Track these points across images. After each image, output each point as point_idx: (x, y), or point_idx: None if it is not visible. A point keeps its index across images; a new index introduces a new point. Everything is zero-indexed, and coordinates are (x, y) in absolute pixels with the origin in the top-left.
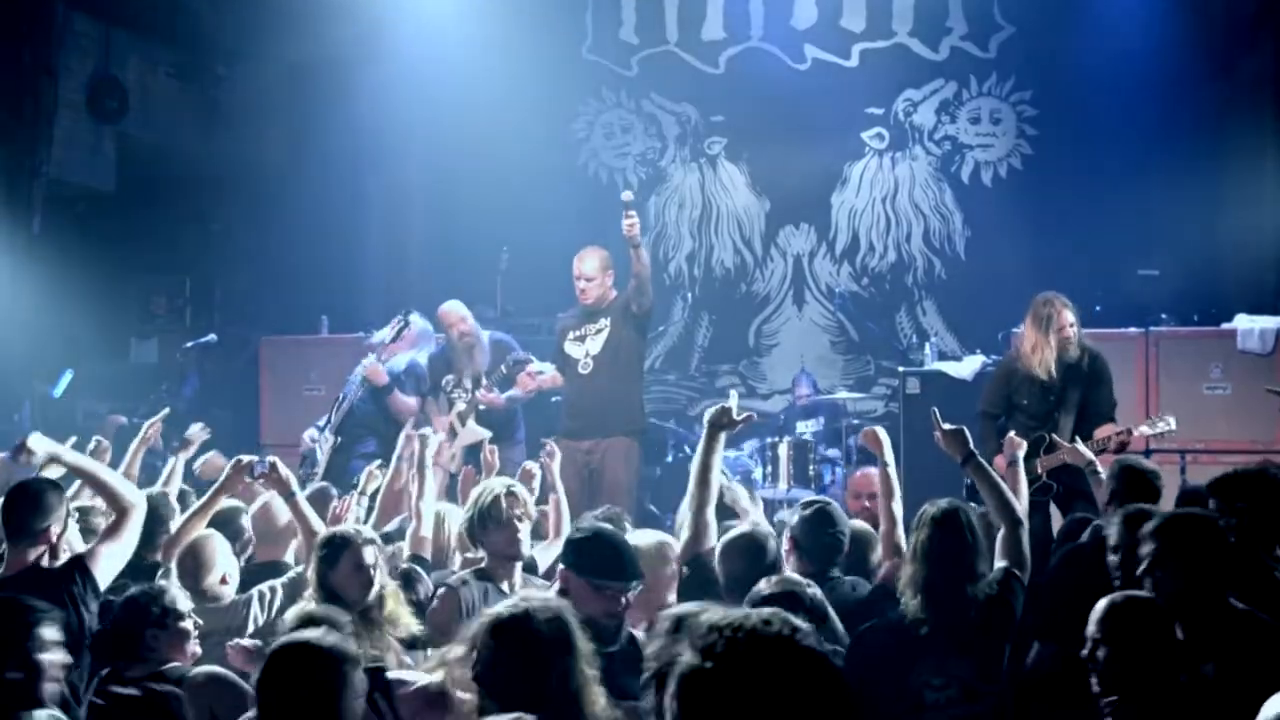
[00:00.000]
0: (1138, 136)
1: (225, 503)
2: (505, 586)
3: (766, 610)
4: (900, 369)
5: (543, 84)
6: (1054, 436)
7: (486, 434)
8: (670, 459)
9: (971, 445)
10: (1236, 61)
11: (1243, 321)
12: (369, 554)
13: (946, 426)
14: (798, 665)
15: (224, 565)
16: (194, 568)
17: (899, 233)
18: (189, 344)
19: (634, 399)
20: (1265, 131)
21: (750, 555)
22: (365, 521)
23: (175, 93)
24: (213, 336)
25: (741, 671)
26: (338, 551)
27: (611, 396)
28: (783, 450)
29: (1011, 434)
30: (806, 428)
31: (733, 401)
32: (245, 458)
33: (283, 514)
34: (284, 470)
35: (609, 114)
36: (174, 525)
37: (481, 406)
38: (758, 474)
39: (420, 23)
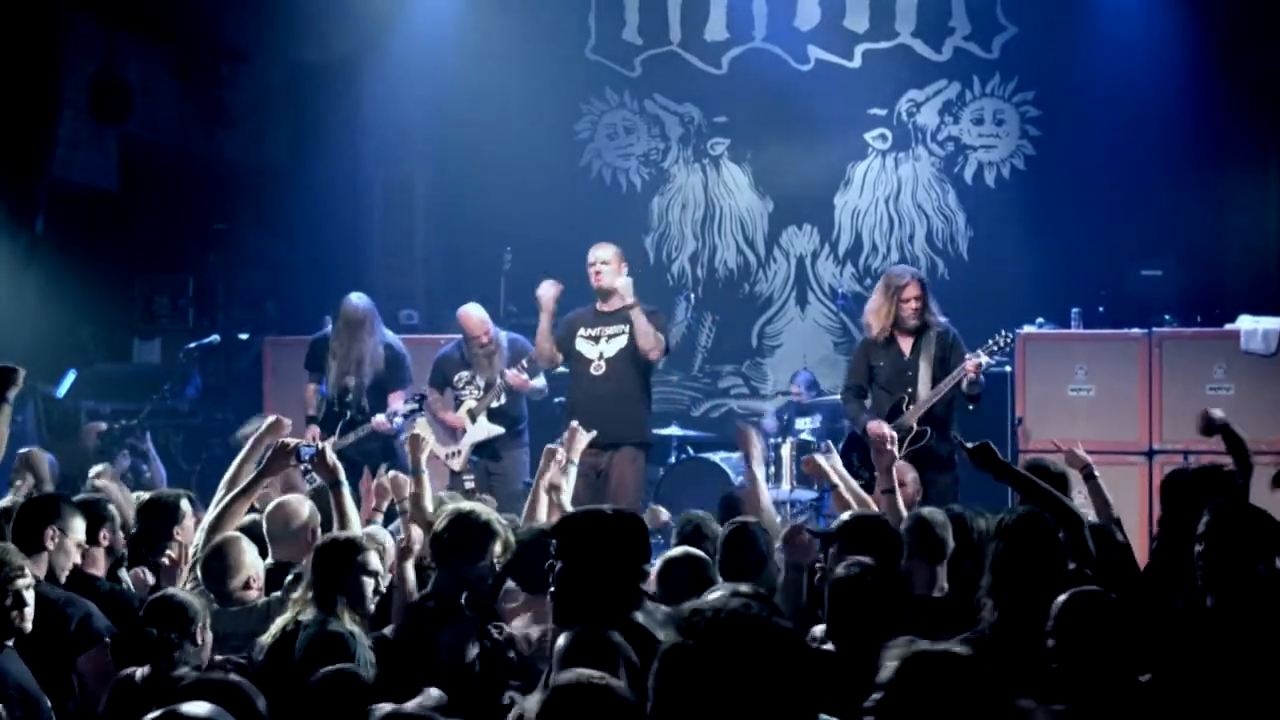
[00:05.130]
0: (1141, 137)
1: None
2: None
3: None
4: None
5: (545, 84)
6: (914, 397)
7: (498, 430)
8: (673, 460)
9: (1001, 457)
10: (1241, 61)
11: (1246, 322)
12: (373, 560)
13: (969, 445)
14: (773, 643)
15: (251, 568)
16: (220, 571)
17: (902, 233)
18: (192, 344)
19: (643, 410)
20: (1269, 131)
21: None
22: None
23: (178, 92)
24: (216, 337)
25: (720, 648)
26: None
27: (622, 405)
28: (785, 451)
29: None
30: (805, 425)
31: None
32: (291, 440)
33: (299, 514)
34: (332, 458)
35: (612, 114)
36: (190, 523)
37: (494, 404)
38: None
39: (423, 23)
